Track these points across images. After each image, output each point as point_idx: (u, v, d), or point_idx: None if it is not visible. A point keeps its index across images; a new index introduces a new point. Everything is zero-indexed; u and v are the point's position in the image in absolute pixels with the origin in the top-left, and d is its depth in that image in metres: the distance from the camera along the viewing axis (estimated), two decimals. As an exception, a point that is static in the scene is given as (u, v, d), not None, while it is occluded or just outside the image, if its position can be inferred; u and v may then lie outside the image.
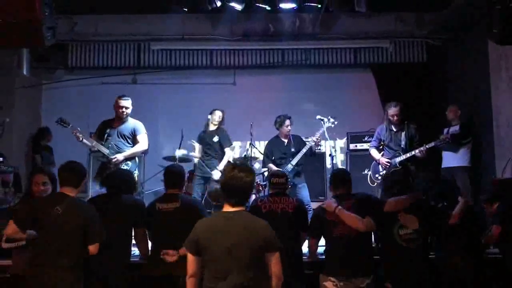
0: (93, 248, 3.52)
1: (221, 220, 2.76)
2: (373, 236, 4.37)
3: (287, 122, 6.27)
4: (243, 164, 2.88)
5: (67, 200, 3.48)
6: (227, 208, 2.78)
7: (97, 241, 3.52)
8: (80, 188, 3.68)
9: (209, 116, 6.58)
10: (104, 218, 3.78)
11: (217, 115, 6.55)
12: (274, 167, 6.14)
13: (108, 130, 5.49)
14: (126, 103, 5.53)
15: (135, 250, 4.35)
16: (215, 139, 6.45)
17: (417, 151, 5.59)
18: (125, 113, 5.52)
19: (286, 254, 3.94)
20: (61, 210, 3.42)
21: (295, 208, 4.15)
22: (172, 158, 7.15)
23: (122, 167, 5.37)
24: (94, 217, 3.57)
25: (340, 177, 4.18)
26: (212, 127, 6.54)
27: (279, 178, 4.30)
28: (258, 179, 7.02)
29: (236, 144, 8.59)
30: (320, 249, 4.29)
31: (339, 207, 3.88)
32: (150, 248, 4.10)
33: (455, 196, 4.05)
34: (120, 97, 5.57)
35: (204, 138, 6.54)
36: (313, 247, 4.24)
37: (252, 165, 7.12)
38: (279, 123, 6.31)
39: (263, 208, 4.12)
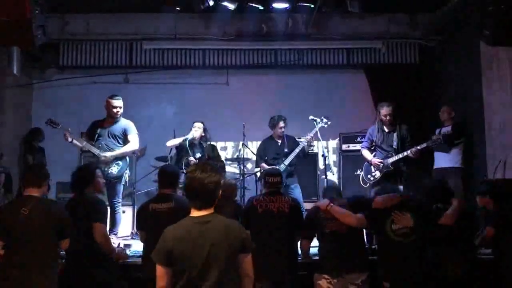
0: (64, 244, 3.61)
1: (195, 226, 2.59)
2: (365, 237, 4.41)
3: (281, 123, 6.28)
4: (207, 164, 2.75)
5: (33, 201, 3.51)
6: (194, 213, 2.65)
7: (67, 236, 3.60)
8: (44, 189, 3.70)
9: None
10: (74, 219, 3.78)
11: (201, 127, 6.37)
12: (266, 167, 6.13)
13: (98, 130, 5.46)
14: (119, 102, 5.51)
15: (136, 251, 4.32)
16: (198, 155, 6.29)
17: (409, 151, 5.60)
18: (119, 112, 5.49)
19: (281, 253, 3.98)
20: (28, 210, 3.43)
21: (291, 207, 4.15)
22: (164, 158, 7.11)
23: (112, 167, 5.35)
24: (63, 213, 3.64)
25: (329, 187, 4.63)
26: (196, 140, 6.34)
27: (274, 177, 4.30)
28: (250, 179, 7.04)
29: (229, 144, 8.59)
30: (314, 250, 4.31)
31: (331, 204, 3.96)
32: (143, 250, 4.07)
33: (449, 198, 4.06)
34: (111, 97, 5.53)
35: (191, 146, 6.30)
36: (305, 247, 4.25)
37: (245, 165, 7.12)
38: (273, 123, 6.33)
39: (259, 208, 4.12)
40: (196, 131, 6.30)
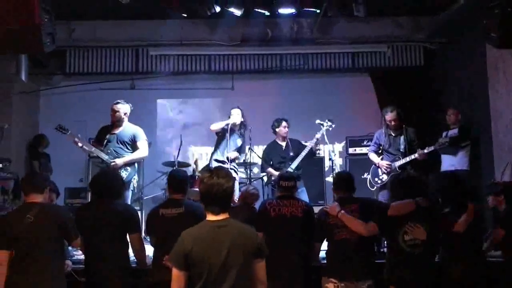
0: (76, 244, 3.73)
1: (212, 230, 2.62)
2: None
3: (284, 123, 6.31)
4: (221, 169, 2.77)
5: (36, 207, 3.54)
6: (211, 217, 2.67)
7: (77, 236, 3.68)
8: (46, 195, 3.75)
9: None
10: (96, 225, 3.82)
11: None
12: (273, 171, 6.15)
13: (107, 136, 5.49)
14: (118, 106, 5.56)
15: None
16: (239, 141, 6.42)
17: (416, 154, 5.60)
18: (113, 116, 5.53)
19: (293, 258, 3.98)
20: (33, 217, 3.47)
21: (304, 212, 4.14)
22: (171, 163, 7.13)
23: (121, 173, 5.36)
24: (67, 217, 3.71)
25: (345, 179, 4.21)
26: (236, 127, 6.38)
27: (288, 182, 4.28)
28: (257, 183, 7.04)
29: (235, 148, 8.59)
30: (322, 254, 4.30)
31: (342, 211, 3.89)
32: (153, 254, 4.08)
33: (464, 200, 4.00)
34: (113, 103, 5.61)
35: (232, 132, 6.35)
36: (317, 250, 4.23)
37: (251, 170, 7.12)
38: (276, 125, 6.35)
39: (272, 212, 4.12)
40: (236, 117, 6.32)
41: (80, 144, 5.35)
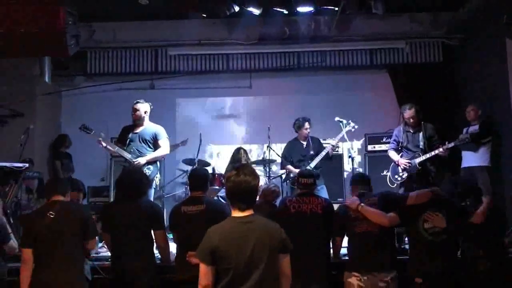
0: (90, 245, 3.81)
1: (238, 226, 2.70)
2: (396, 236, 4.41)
3: (306, 124, 6.30)
4: (247, 167, 2.85)
5: (58, 205, 3.67)
6: (237, 213, 2.75)
7: (94, 236, 3.80)
8: (68, 197, 3.87)
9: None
10: (122, 223, 3.92)
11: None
12: (292, 168, 6.17)
13: (129, 135, 5.57)
14: (138, 106, 5.64)
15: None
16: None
17: (437, 151, 5.57)
18: (134, 115, 5.62)
19: (313, 254, 4.01)
20: (54, 213, 3.59)
21: (324, 208, 4.18)
22: (191, 161, 7.22)
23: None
24: (87, 214, 3.84)
25: (359, 177, 4.38)
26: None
27: (307, 179, 4.33)
28: (275, 181, 7.08)
29: (253, 146, 8.65)
30: (344, 250, 4.33)
31: (362, 204, 3.95)
32: (176, 251, 4.15)
33: (478, 195, 4.04)
34: (134, 103, 5.71)
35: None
36: (338, 245, 4.27)
37: (270, 168, 7.17)
38: (298, 125, 6.33)
39: (292, 209, 4.16)
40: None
41: (104, 144, 5.45)
